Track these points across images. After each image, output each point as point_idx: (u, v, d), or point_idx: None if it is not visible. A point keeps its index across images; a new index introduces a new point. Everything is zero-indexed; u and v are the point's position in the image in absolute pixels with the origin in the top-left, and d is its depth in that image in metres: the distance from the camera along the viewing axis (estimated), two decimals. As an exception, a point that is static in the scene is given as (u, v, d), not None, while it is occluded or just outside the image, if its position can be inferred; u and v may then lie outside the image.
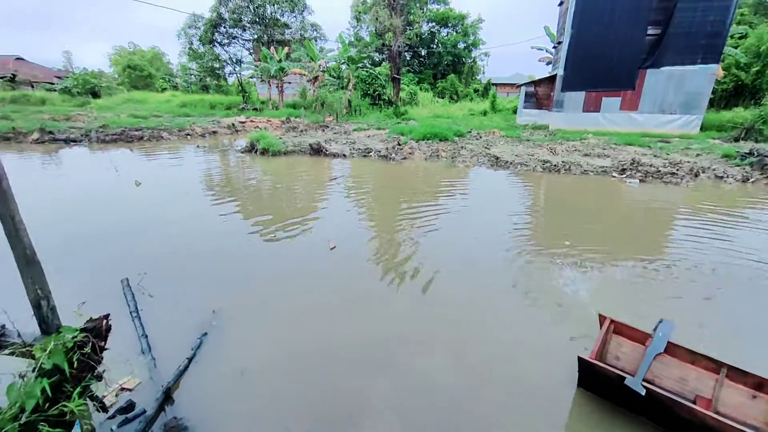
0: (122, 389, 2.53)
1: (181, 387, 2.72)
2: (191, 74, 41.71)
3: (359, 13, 40.27)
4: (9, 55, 40.90)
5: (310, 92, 28.76)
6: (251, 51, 38.11)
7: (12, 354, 2.14)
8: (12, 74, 36.59)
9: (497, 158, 12.19)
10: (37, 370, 1.99)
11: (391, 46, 27.90)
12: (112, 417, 2.46)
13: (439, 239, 5.73)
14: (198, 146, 15.12)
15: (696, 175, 10.12)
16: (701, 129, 18.00)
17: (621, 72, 18.46)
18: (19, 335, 2.19)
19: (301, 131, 19.03)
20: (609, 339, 3.06)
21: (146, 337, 3.15)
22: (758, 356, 3.16)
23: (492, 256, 5.13)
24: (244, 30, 37.14)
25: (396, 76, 28.76)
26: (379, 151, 13.33)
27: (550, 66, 25.91)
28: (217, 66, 38.11)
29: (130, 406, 2.53)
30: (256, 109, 29.50)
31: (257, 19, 36.01)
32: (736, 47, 21.49)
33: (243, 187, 9.07)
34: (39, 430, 1.88)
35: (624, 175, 10.24)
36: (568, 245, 5.48)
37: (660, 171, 10.29)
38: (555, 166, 11.14)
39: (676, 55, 17.47)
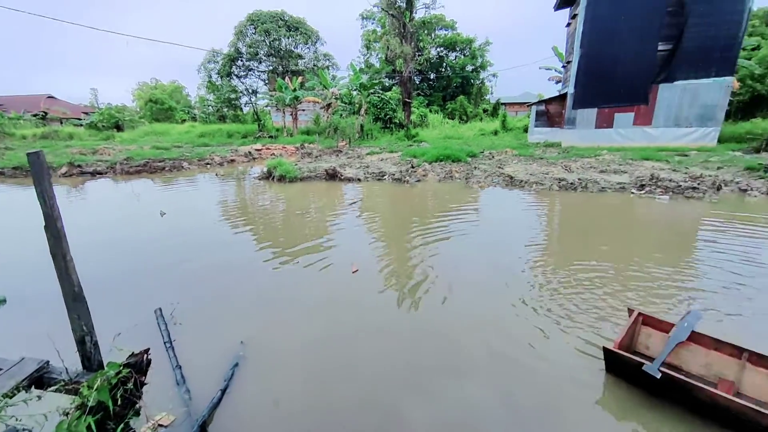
0: (159, 425, 2.57)
1: (216, 420, 2.74)
2: (209, 105, 43.55)
3: (369, 41, 41.70)
4: (41, 94, 43.61)
5: (324, 118, 29.56)
6: (266, 81, 39.70)
7: (58, 391, 2.21)
8: (44, 112, 38.86)
9: (511, 177, 12.19)
10: (81, 407, 2.05)
11: (401, 72, 28.67)
12: (149, 453, 2.48)
13: (458, 259, 5.71)
14: (217, 174, 15.61)
15: (718, 189, 9.88)
16: (719, 141, 17.69)
17: (633, 87, 18.46)
18: (66, 372, 2.27)
19: (316, 157, 19.47)
20: (638, 330, 3.33)
21: (180, 368, 3.20)
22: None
23: (511, 272, 5.07)
24: (260, 62, 38.86)
25: (407, 100, 29.40)
26: (393, 175, 13.50)
27: (560, 84, 26.10)
28: (234, 97, 39.72)
29: (165, 440, 2.55)
30: (271, 136, 30.41)
31: (273, 52, 37.69)
32: (749, 59, 21.33)
33: (263, 213, 9.28)
34: (85, 467, 1.92)
35: (643, 191, 10.08)
36: (594, 263, 5.38)
37: (681, 186, 10.10)
38: (571, 183, 11.06)
39: (690, 68, 17.43)
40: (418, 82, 41.71)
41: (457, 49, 41.54)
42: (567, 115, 20.54)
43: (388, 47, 27.01)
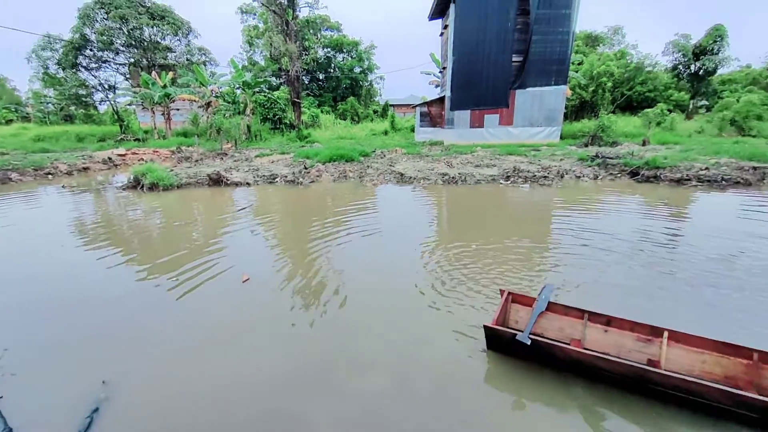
0: None
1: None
2: (48, 102, 35.52)
3: (251, 37, 39.34)
4: None
5: (203, 119, 26.77)
6: (127, 76, 34.09)
7: None
8: None
9: (402, 175, 12.86)
10: None
11: (288, 71, 27.73)
12: None
13: (355, 255, 5.75)
14: (64, 186, 12.82)
15: (562, 177, 12.06)
16: (561, 138, 21.61)
17: (496, 92, 21.28)
18: None
19: (196, 161, 17.53)
20: (509, 308, 3.74)
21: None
22: (611, 301, 3.80)
23: (407, 263, 5.32)
24: (117, 53, 33.14)
25: (296, 100, 28.60)
26: (286, 177, 12.98)
27: (439, 88, 28.59)
28: (84, 93, 33.01)
29: None
30: (138, 139, 26.25)
31: (133, 42, 32.52)
32: (577, 71, 26.54)
33: (130, 229, 7.91)
34: None
35: (509, 181, 11.69)
36: (475, 247, 5.98)
37: (536, 175, 12.01)
38: (453, 178, 12.19)
39: (536, 78, 20.86)
40: (307, 82, 41.04)
41: (344, 50, 42.15)
42: (446, 116, 22.60)
43: (271, 44, 25.82)
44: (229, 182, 12.33)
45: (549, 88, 20.90)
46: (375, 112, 41.00)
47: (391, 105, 42.19)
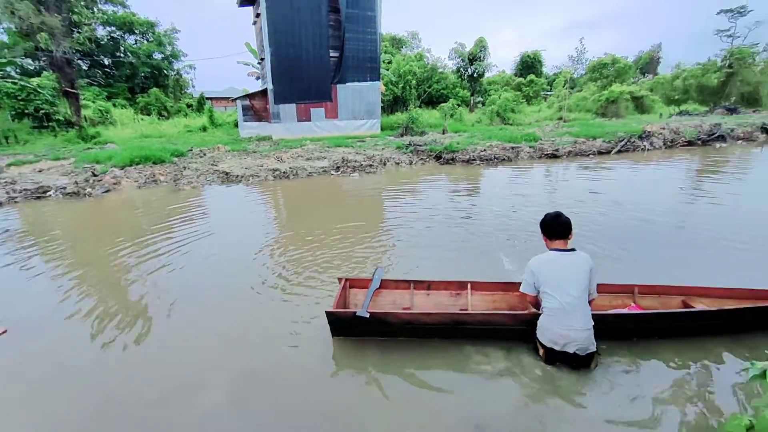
0: None
1: None
2: None
3: (-23, 0, 28.23)
4: None
5: None
6: None
7: None
8: None
9: (227, 173, 11.71)
10: None
11: (51, 51, 21.14)
12: None
13: (178, 267, 4.88)
14: None
15: (384, 164, 13.32)
16: (381, 129, 23.85)
17: (319, 86, 21.69)
18: None
19: None
20: (348, 294, 3.87)
21: None
22: (432, 266, 4.42)
23: (241, 265, 4.84)
24: None
25: (70, 89, 22.19)
26: (64, 188, 10.00)
27: (260, 80, 27.17)
28: None
29: None
30: None
31: None
32: (388, 69, 29.59)
33: None
34: None
35: (339, 172, 12.16)
36: (310, 239, 5.92)
37: (362, 164, 12.88)
38: (284, 173, 11.85)
39: (354, 73, 22.21)
40: (85, 68, 32.49)
41: (137, 32, 35.09)
42: (271, 109, 21.74)
43: (15, 13, 19.07)
44: (-41, 204, 8.64)
45: (366, 83, 22.62)
46: (189, 106, 35.94)
47: (208, 98, 37.73)
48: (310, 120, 22.24)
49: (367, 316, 3.19)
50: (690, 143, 16.09)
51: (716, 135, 16.45)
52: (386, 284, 3.88)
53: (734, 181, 9.53)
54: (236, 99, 23.89)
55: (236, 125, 25.96)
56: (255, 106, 23.67)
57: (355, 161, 13.31)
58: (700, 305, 3.36)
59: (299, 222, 7.42)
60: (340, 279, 3.88)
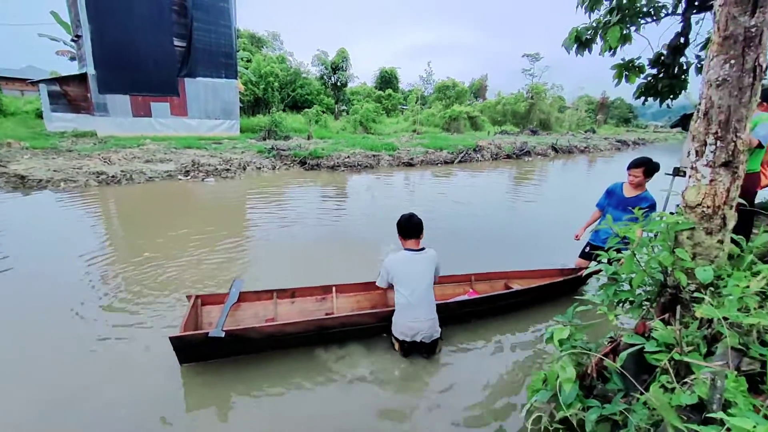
0: None
1: None
2: None
3: None
4: None
5: None
6: None
7: None
8: None
9: (23, 178, 9.00)
10: None
11: None
12: None
13: None
14: None
15: (244, 169, 12.38)
16: (241, 131, 22.14)
17: (161, 78, 18.73)
18: None
19: None
20: (200, 312, 3.42)
21: None
22: (300, 271, 4.30)
23: (62, 297, 3.70)
24: None
25: None
26: None
27: (76, 62, 21.88)
28: None
29: None
30: None
31: None
32: (247, 68, 27.70)
33: None
34: None
35: (189, 176, 10.73)
36: (148, 255, 4.97)
37: (218, 169, 11.67)
38: (113, 177, 9.79)
39: (206, 68, 19.97)
40: None
41: None
42: (95, 100, 17.71)
43: None
44: None
45: (221, 80, 20.66)
46: (-42, 84, 26.34)
47: (-8, 77, 28.43)
48: (150, 116, 19.00)
49: (223, 335, 2.83)
50: (509, 156, 20.05)
51: (525, 150, 20.96)
52: (246, 297, 3.57)
53: (542, 184, 12.31)
54: (39, 82, 18.64)
55: (40, 116, 20.27)
56: (70, 94, 18.93)
57: (209, 165, 11.98)
58: (516, 285, 4.15)
59: (137, 234, 6.19)
60: (189, 296, 3.42)
